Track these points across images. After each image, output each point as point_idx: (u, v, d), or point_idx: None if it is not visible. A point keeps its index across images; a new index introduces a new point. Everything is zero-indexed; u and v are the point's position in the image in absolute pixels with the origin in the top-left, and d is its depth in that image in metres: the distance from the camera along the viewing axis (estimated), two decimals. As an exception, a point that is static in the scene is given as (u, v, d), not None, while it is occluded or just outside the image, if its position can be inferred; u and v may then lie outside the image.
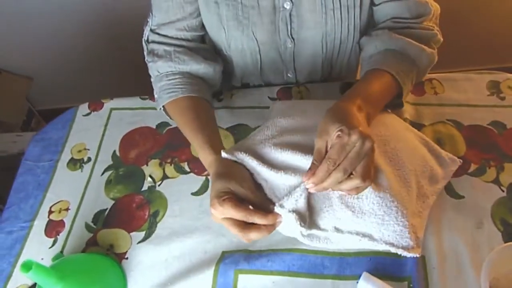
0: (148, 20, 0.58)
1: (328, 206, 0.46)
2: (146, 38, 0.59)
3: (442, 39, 0.57)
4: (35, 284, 0.51)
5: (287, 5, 0.54)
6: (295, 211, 0.44)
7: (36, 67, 1.24)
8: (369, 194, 0.45)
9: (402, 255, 0.45)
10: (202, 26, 0.59)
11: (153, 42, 0.58)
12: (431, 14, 0.56)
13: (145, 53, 0.59)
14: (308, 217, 0.45)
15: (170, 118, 0.59)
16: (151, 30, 0.58)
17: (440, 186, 0.51)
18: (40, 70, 1.24)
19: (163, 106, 0.58)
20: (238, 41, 0.58)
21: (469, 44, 1.17)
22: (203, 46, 0.60)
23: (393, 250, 0.45)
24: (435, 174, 0.51)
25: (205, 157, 0.50)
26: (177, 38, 0.57)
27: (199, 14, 0.57)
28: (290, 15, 0.55)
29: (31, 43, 1.16)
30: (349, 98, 0.47)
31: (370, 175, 0.41)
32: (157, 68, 0.58)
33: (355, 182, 0.40)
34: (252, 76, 0.66)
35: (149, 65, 0.59)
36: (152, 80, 0.60)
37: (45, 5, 1.07)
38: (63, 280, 0.44)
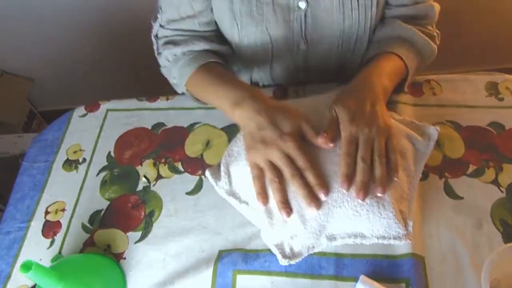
0: (158, 15, 0.57)
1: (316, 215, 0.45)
2: (155, 34, 0.58)
3: (438, 43, 0.60)
4: (35, 285, 0.51)
5: (302, 5, 0.53)
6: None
7: (38, 69, 1.24)
8: (345, 198, 0.44)
9: (395, 244, 0.45)
10: (215, 22, 0.58)
11: (165, 36, 0.58)
12: (435, 18, 0.59)
13: (154, 47, 0.59)
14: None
15: (193, 98, 0.59)
16: (161, 26, 0.58)
17: (424, 163, 0.50)
18: (41, 71, 1.25)
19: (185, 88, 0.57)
20: (252, 37, 0.57)
21: (467, 45, 1.17)
22: (217, 33, 0.60)
23: (385, 242, 0.45)
24: (416, 151, 0.50)
25: (243, 89, 0.48)
26: (190, 30, 0.57)
27: (210, 11, 0.56)
28: (305, 15, 0.55)
29: (32, 45, 1.17)
30: (365, 74, 0.50)
31: (392, 161, 0.43)
32: (173, 53, 0.57)
33: (379, 170, 0.42)
34: (261, 73, 0.66)
35: (164, 53, 0.58)
36: (165, 68, 0.59)
37: (46, 7, 1.08)
38: (63, 281, 0.44)
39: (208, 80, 0.53)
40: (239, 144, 0.51)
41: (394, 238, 0.45)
